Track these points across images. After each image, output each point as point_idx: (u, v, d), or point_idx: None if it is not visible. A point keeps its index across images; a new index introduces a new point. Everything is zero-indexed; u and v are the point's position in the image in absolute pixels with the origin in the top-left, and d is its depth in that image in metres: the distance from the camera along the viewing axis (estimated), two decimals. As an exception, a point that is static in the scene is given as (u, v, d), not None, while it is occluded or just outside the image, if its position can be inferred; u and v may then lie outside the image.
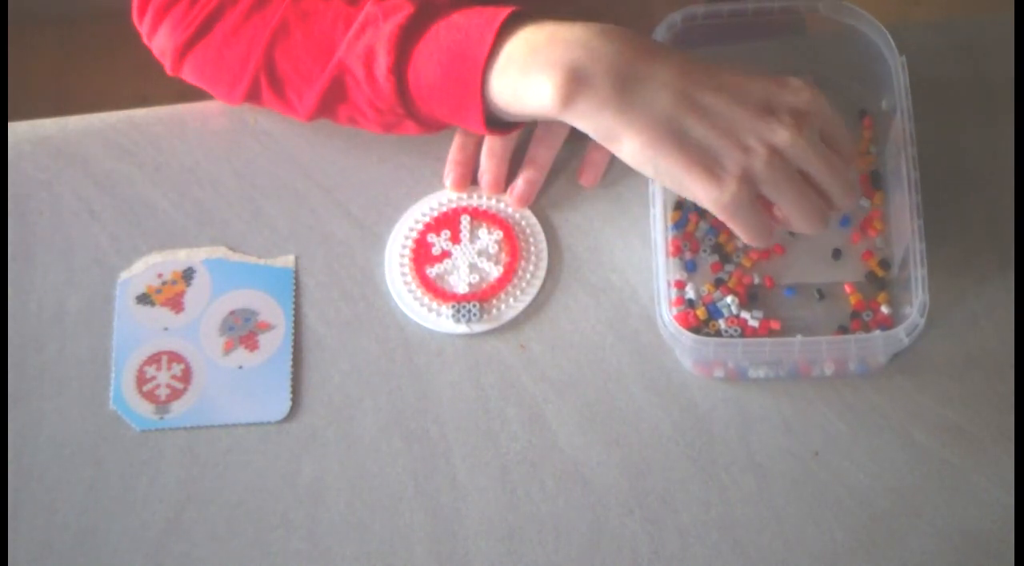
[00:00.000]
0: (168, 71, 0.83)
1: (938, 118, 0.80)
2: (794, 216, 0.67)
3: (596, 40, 0.67)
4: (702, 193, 0.66)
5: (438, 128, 0.78)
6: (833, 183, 0.67)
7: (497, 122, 0.74)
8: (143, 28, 0.82)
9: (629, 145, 0.67)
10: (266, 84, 0.78)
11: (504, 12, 0.71)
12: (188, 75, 0.82)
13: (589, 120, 0.67)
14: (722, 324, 0.76)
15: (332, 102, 0.77)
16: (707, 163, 0.65)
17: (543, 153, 0.82)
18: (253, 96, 0.80)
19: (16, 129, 0.89)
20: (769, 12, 0.78)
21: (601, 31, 0.68)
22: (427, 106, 0.74)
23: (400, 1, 0.73)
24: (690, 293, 0.78)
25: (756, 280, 0.78)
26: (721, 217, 0.67)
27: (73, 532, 0.78)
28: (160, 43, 0.81)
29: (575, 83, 0.67)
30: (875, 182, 0.79)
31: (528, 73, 0.69)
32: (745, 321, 0.76)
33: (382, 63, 0.72)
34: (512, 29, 0.70)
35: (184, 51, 0.79)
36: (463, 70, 0.71)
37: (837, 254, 0.78)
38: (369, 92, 0.74)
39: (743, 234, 0.68)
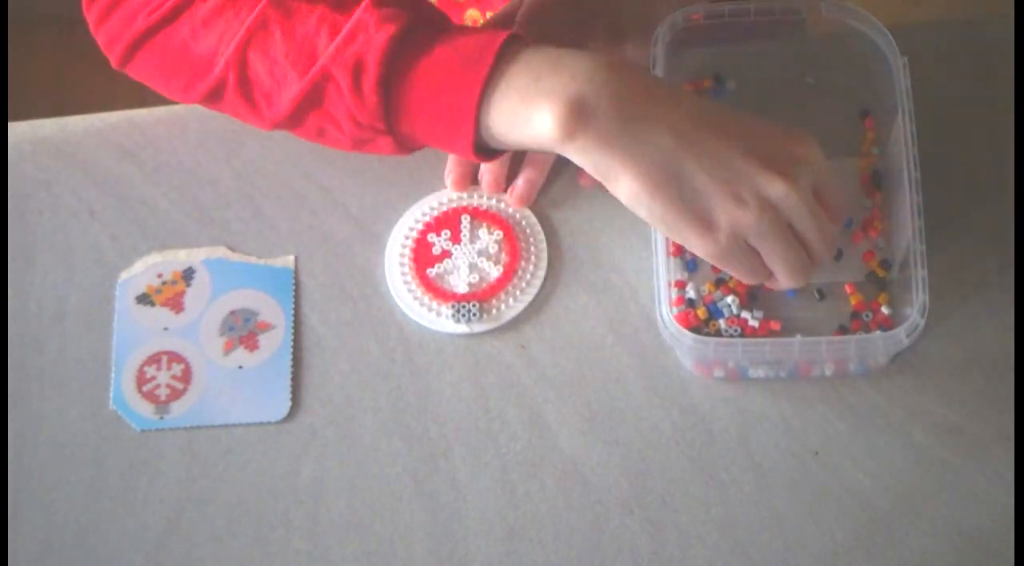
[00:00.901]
0: (114, 62, 0.77)
1: (939, 118, 0.80)
2: (776, 269, 0.68)
3: (602, 73, 0.65)
4: (695, 243, 0.66)
5: (413, 149, 0.73)
6: (816, 239, 0.68)
7: (484, 148, 0.70)
8: (91, 15, 0.77)
9: (626, 187, 0.65)
10: (234, 84, 0.72)
11: (503, 33, 0.68)
12: (138, 69, 0.77)
13: (588, 156, 0.65)
14: (722, 324, 0.76)
15: (306, 110, 0.71)
16: (701, 213, 0.65)
17: (543, 153, 0.81)
18: (214, 96, 0.74)
19: (16, 129, 0.89)
20: (771, 12, 0.78)
21: (607, 64, 0.65)
22: (411, 124, 0.70)
23: (394, 10, 0.69)
24: (690, 293, 0.78)
25: (756, 280, 0.78)
26: (714, 263, 0.67)
27: (73, 532, 0.78)
28: (111, 31, 0.76)
29: (578, 117, 0.64)
30: (876, 182, 0.79)
31: (529, 102, 0.66)
32: (745, 321, 0.76)
33: (371, 74, 0.68)
34: (512, 51, 0.67)
35: (141, 41, 0.74)
36: (457, 92, 0.67)
37: (838, 254, 0.78)
38: (351, 103, 0.69)
39: (737, 276, 0.69)
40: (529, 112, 0.66)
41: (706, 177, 0.64)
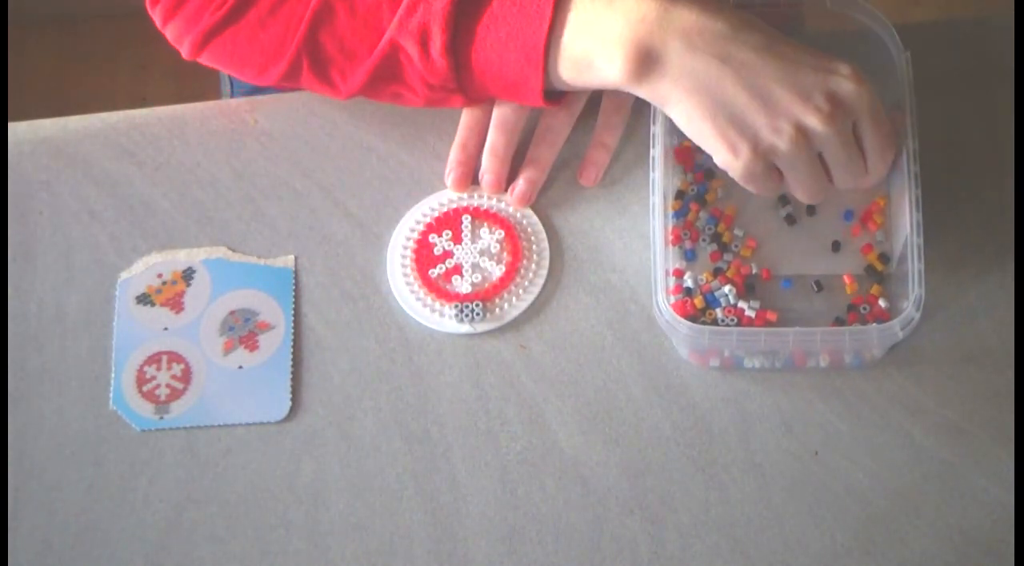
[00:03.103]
0: (185, 55, 0.81)
1: (939, 114, 0.80)
2: (797, 189, 0.72)
3: (655, 11, 0.69)
4: (720, 158, 0.70)
5: (483, 100, 0.79)
6: (846, 176, 0.72)
7: (551, 93, 0.75)
8: (157, 14, 0.81)
9: (679, 109, 0.70)
10: (307, 65, 0.77)
11: None
12: (210, 59, 0.81)
13: (650, 88, 0.71)
14: (719, 313, 0.76)
15: (380, 80, 0.77)
16: (735, 131, 0.69)
17: (544, 153, 0.82)
18: (291, 76, 0.78)
19: (16, 129, 0.89)
20: (775, 4, 0.78)
21: (658, 1, 0.70)
22: (482, 81, 0.75)
23: None
24: (688, 282, 0.78)
25: (754, 270, 0.78)
26: (737, 179, 0.71)
27: (73, 532, 0.78)
28: (179, 27, 0.79)
29: (642, 60, 0.69)
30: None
31: (591, 49, 0.71)
32: (742, 311, 0.76)
33: (437, 41, 0.73)
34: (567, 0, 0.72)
35: (211, 36, 0.78)
36: (522, 45, 0.72)
37: (836, 246, 0.78)
38: (423, 70, 0.74)
39: (753, 191, 0.72)
40: (591, 59, 0.71)
41: (747, 103, 0.68)
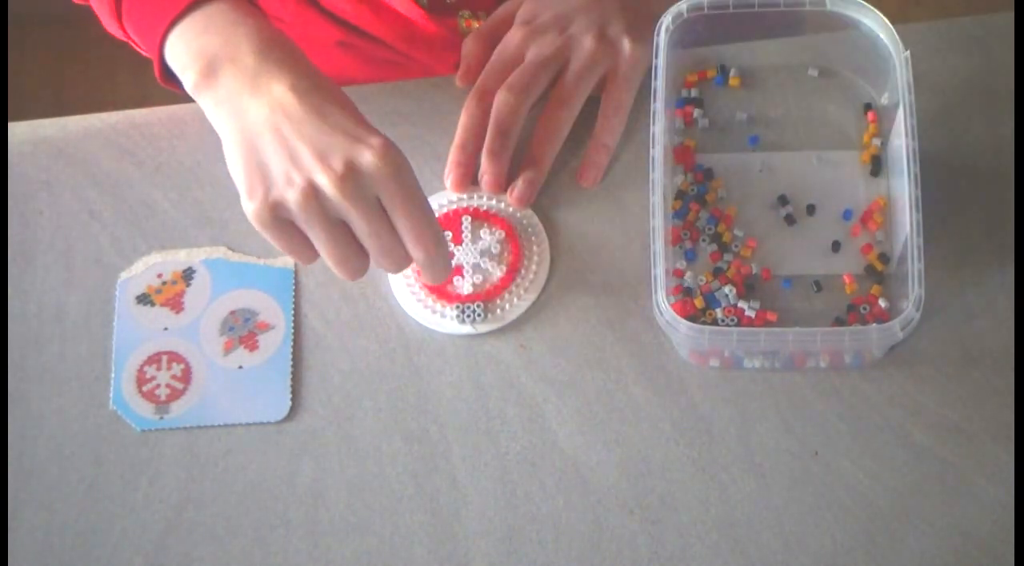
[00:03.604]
0: None
1: (941, 113, 0.80)
2: (322, 254, 0.72)
3: (246, 46, 0.73)
4: (241, 196, 0.71)
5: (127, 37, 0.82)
6: (370, 243, 0.71)
7: (173, 75, 0.77)
8: None
9: (224, 139, 0.73)
10: None
11: None
12: None
13: (208, 112, 0.74)
14: (719, 313, 0.77)
15: None
16: (258, 175, 0.71)
17: (543, 153, 0.82)
18: None
19: (16, 129, 0.89)
20: (775, 4, 0.78)
21: (261, 41, 0.73)
22: (131, 23, 0.79)
23: None
24: (688, 282, 0.78)
25: (754, 270, 0.78)
26: (256, 228, 0.71)
27: (73, 532, 0.78)
28: None
29: (207, 79, 0.73)
30: (876, 175, 0.79)
31: (188, 51, 0.75)
32: (742, 311, 0.76)
33: None
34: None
35: None
36: (155, 15, 0.76)
37: (836, 246, 0.78)
38: None
39: (275, 244, 0.72)
40: (184, 62, 0.75)
41: (274, 152, 0.70)
